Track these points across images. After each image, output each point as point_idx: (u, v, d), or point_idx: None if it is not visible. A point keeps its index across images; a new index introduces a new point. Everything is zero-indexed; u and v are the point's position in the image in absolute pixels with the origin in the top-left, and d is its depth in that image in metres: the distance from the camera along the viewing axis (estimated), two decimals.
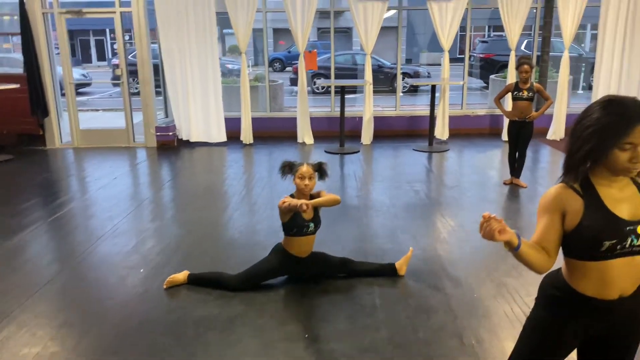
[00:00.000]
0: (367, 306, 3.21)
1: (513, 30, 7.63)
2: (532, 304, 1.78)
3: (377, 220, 4.78)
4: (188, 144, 8.06)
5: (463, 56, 19.24)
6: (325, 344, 2.82)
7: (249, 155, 7.69)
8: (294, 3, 7.55)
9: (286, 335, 2.90)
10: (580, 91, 13.93)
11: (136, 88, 8.43)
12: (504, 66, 12.05)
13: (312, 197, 3.38)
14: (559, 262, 1.68)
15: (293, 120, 8.28)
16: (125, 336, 2.92)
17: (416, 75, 15.71)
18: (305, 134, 8.04)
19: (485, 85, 14.22)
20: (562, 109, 7.86)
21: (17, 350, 2.79)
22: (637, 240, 1.52)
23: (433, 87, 7.55)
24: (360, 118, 8.17)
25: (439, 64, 16.73)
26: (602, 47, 7.61)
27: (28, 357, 2.73)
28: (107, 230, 4.59)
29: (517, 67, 5.47)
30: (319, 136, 8.22)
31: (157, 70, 8.29)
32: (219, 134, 8.05)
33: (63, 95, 8.20)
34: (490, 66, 14.66)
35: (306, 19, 7.62)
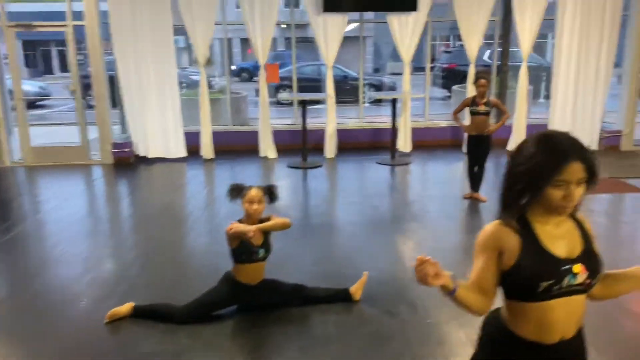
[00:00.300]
0: (320, 336, 3.09)
1: (472, 43, 7.68)
2: None
3: (337, 240, 4.68)
4: (146, 160, 7.82)
5: (432, 65, 19.48)
6: None
7: (210, 171, 7.50)
8: (253, 15, 7.44)
9: None
10: (541, 100, 14.19)
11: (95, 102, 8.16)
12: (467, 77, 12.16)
13: (261, 221, 3.25)
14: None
15: (256, 133, 8.13)
16: None
17: (381, 86, 15.77)
18: (267, 148, 7.91)
19: (449, 95, 14.36)
20: (522, 120, 7.94)
21: None
22: (575, 280, 1.46)
23: (394, 100, 7.52)
24: (324, 131, 8.08)
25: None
26: (559, 57, 7.72)
27: None
28: (52, 256, 4.36)
29: (475, 82, 5.48)
30: (282, 149, 8.09)
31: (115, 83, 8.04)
32: (178, 149, 7.84)
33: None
34: (454, 76, 14.81)
35: (266, 31, 7.51)
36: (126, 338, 3.10)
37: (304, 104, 7.38)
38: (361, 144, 8.50)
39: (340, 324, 3.22)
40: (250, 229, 2.93)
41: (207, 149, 7.83)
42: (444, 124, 8.65)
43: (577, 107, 7.85)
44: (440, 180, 6.89)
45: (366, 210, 5.48)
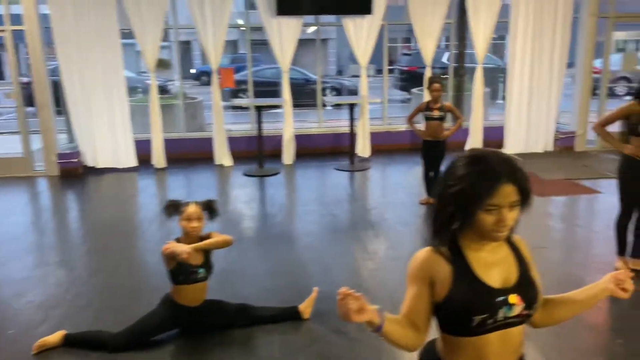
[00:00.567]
0: (265, 358, 2.92)
1: (427, 46, 7.65)
2: None
3: (291, 251, 4.50)
4: (95, 171, 7.46)
5: (392, 68, 19.35)
6: None
7: (162, 180, 7.22)
8: (204, 18, 7.20)
9: None
10: (499, 101, 14.38)
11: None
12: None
13: (202, 238, 3.06)
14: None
15: (211, 140, 7.87)
16: None
17: (342, 89, 15.69)
18: (223, 156, 7.67)
19: (410, 98, 14.40)
20: (478, 122, 7.96)
21: None
22: (510, 312, 1.33)
23: (351, 105, 7.41)
24: (282, 137, 7.89)
25: (369, 76, 16.87)
26: (513, 59, 7.77)
27: None
28: None
29: (428, 86, 5.41)
30: (239, 156, 7.86)
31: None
32: (128, 159, 7.52)
33: None
34: (413, 79, 14.85)
35: (218, 35, 7.28)
36: None
37: (259, 109, 7.18)
38: (320, 150, 8.35)
39: (286, 344, 3.05)
40: (184, 249, 2.73)
41: (158, 158, 7.53)
42: (402, 127, 8.59)
43: (532, 109, 7.91)
44: (399, 186, 6.80)
45: (323, 219, 5.33)
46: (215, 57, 7.41)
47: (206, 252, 3.07)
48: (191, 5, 7.13)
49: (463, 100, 8.51)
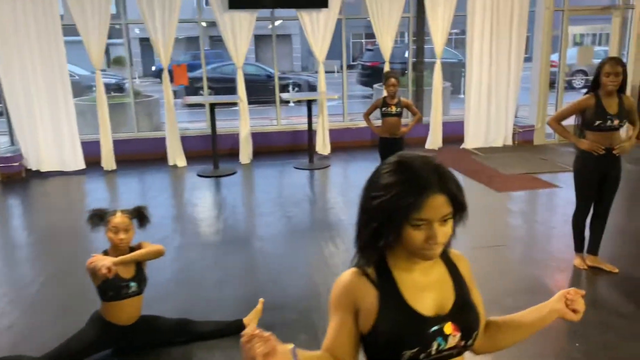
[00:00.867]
0: None
1: (385, 41, 7.50)
2: None
3: (243, 258, 4.26)
4: (39, 175, 7.03)
5: (355, 63, 19.15)
6: None
7: (112, 183, 6.86)
8: (153, 13, 6.85)
9: None
10: (461, 95, 14.43)
11: None
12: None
13: (133, 249, 2.80)
14: None
15: (165, 140, 7.53)
16: None
17: (305, 85, 15.49)
18: (176, 156, 7.35)
19: (372, 93, 14.29)
20: (438, 117, 7.86)
21: None
22: (445, 344, 1.14)
23: (309, 102, 7.20)
24: (238, 135, 7.62)
25: (333, 71, 16.67)
26: (471, 53, 7.69)
27: None
28: None
29: (384, 82, 5.24)
30: (195, 156, 7.56)
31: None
32: (76, 161, 7.12)
33: None
34: (376, 74, 14.75)
35: (168, 31, 6.95)
36: None
37: (212, 107, 6.89)
38: (279, 148, 8.11)
39: None
40: (104, 264, 2.47)
41: (107, 160, 7.15)
42: (363, 124, 8.41)
43: (491, 103, 7.87)
44: (359, 184, 6.58)
45: (279, 221, 5.11)
46: (166, 54, 7.08)
47: (138, 264, 2.81)
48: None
49: (423, 95, 8.41)
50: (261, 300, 3.17)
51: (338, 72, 22.22)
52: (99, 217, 2.75)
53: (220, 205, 5.82)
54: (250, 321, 3.07)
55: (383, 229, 1.12)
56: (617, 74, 3.44)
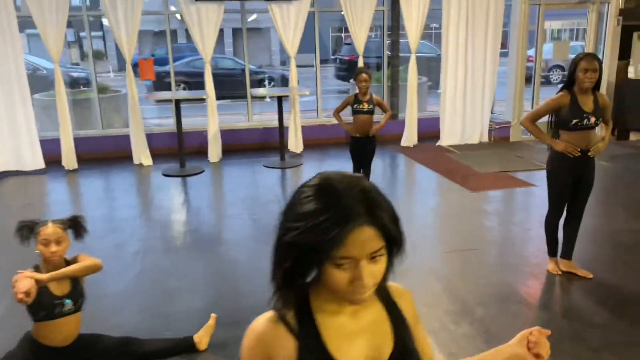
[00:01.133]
0: None
1: (359, 35, 7.28)
2: None
3: (202, 266, 4.01)
4: None
5: (335, 57, 18.80)
6: None
7: (74, 184, 6.53)
8: (115, 5, 6.52)
9: None
10: (439, 91, 14.31)
11: None
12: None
13: (68, 263, 2.54)
14: None
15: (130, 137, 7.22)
16: None
17: (281, 80, 15.20)
18: (141, 154, 7.04)
19: (349, 88, 14.07)
20: (413, 114, 7.68)
21: None
22: None
23: (279, 98, 6.95)
24: (207, 132, 7.34)
25: (312, 65, 16.40)
26: (446, 47, 7.52)
27: None
28: None
29: (355, 78, 5.02)
30: (163, 154, 7.25)
31: None
32: (35, 160, 6.76)
33: None
34: (354, 69, 14.52)
35: (131, 23, 6.63)
36: None
37: (177, 103, 6.60)
38: (250, 145, 7.85)
39: None
40: (20, 288, 2.21)
41: (68, 158, 6.81)
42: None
43: (467, 99, 7.71)
44: None
45: (243, 224, 4.88)
46: (129, 47, 6.76)
47: (74, 280, 2.55)
48: None
49: (398, 91, 8.21)
50: (213, 315, 2.94)
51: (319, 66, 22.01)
52: (28, 229, 2.48)
53: (184, 207, 5.55)
54: (202, 338, 2.84)
55: (299, 266, 0.91)
56: (594, 70, 3.27)
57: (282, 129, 6.97)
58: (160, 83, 12.48)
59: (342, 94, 14.27)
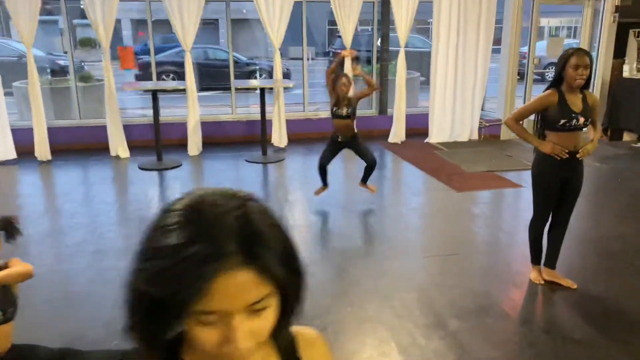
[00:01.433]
0: None
1: (347, 28, 7.03)
2: None
3: None
4: None
5: (329, 50, 18.56)
6: None
7: (47, 176, 6.28)
8: None
9: None
10: None
11: None
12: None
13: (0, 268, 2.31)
14: None
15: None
16: None
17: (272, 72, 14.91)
18: (118, 146, 6.79)
19: None
20: (401, 109, 7.44)
21: None
22: None
23: (262, 90, 6.70)
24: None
25: (306, 58, 16.13)
26: (437, 42, 7.29)
27: None
28: None
29: (335, 80, 4.74)
30: (142, 146, 7.00)
31: None
32: (6, 150, 6.50)
33: None
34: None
35: (108, 11, 6.36)
36: None
37: (154, 94, 6.35)
38: (233, 138, 7.61)
39: None
40: None
41: (41, 149, 6.55)
42: (324, 114, 7.97)
43: (457, 95, 7.48)
44: (314, 180, 6.18)
45: None
46: (106, 35, 6.48)
47: (4, 288, 2.32)
48: None
49: (388, 85, 7.97)
50: None
51: (313, 59, 21.67)
52: None
53: (156, 203, 5.31)
54: None
55: (156, 323, 0.68)
56: (586, 66, 3.04)
57: (264, 122, 6.72)
58: (147, 73, 12.20)
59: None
